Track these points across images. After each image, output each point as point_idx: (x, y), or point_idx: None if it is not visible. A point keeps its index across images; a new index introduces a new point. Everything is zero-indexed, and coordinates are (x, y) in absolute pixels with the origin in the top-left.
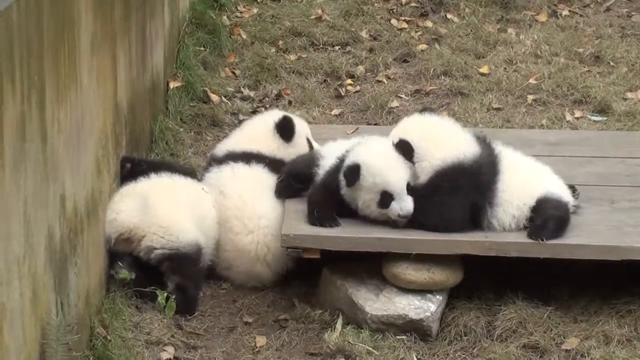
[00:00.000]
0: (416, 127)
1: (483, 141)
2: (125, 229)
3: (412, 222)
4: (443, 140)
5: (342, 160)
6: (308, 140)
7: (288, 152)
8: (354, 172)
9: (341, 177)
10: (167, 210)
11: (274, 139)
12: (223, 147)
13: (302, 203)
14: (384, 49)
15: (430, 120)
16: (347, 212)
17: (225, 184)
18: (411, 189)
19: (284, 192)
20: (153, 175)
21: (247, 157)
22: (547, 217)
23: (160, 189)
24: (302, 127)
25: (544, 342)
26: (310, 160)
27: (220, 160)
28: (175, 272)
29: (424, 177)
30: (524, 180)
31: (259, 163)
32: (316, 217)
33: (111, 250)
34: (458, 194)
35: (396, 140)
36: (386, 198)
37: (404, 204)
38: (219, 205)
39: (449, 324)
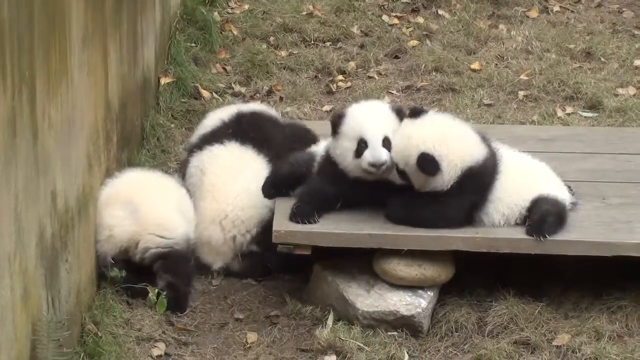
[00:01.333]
0: (434, 135)
1: (485, 140)
2: (124, 242)
3: (407, 218)
4: (462, 149)
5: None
6: None
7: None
8: (339, 118)
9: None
10: (156, 207)
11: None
12: (195, 135)
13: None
14: (375, 45)
15: (445, 126)
16: (346, 195)
17: (205, 165)
18: (425, 193)
19: (269, 193)
20: (120, 175)
21: (216, 135)
22: (544, 214)
23: (140, 187)
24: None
25: (535, 338)
26: (296, 163)
27: (199, 145)
28: (167, 271)
29: (444, 186)
30: (520, 179)
31: (226, 137)
32: (294, 213)
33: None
34: (463, 195)
35: (417, 153)
36: (361, 146)
37: (375, 152)
38: (200, 185)
39: (440, 320)
